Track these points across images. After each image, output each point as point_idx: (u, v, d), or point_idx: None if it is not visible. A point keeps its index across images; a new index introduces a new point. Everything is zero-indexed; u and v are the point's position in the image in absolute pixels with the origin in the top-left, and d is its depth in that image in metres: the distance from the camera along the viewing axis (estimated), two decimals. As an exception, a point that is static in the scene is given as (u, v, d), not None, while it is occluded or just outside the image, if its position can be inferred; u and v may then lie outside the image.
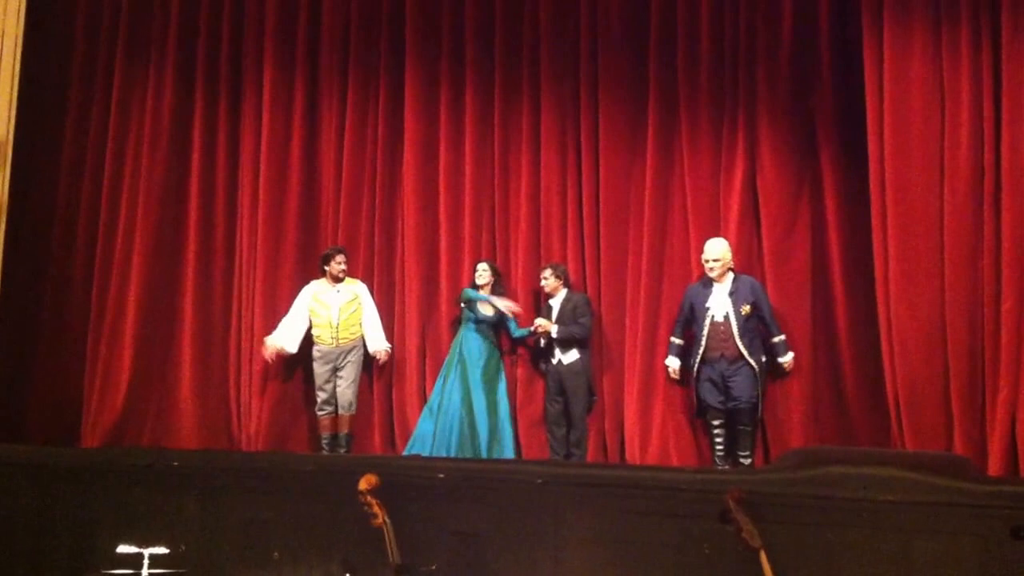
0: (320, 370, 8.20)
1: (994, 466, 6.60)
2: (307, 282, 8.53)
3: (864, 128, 7.37)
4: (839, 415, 7.60)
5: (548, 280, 8.00)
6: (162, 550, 6.15)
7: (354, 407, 8.19)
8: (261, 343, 8.42)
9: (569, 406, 7.78)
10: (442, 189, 8.55)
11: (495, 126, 8.53)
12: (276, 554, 6.36)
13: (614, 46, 8.33)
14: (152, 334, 8.62)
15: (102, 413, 8.44)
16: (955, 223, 6.99)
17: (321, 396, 8.19)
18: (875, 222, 7.24)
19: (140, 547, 6.12)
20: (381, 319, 8.34)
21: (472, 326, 8.12)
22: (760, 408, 7.29)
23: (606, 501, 5.99)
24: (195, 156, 8.86)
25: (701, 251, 7.77)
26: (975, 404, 6.84)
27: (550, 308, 7.99)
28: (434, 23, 8.70)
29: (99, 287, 8.73)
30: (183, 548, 6.39)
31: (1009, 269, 6.81)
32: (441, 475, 6.42)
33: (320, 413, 8.21)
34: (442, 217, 8.53)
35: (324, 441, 8.19)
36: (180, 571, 6.22)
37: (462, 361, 8.05)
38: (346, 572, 5.86)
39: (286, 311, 8.46)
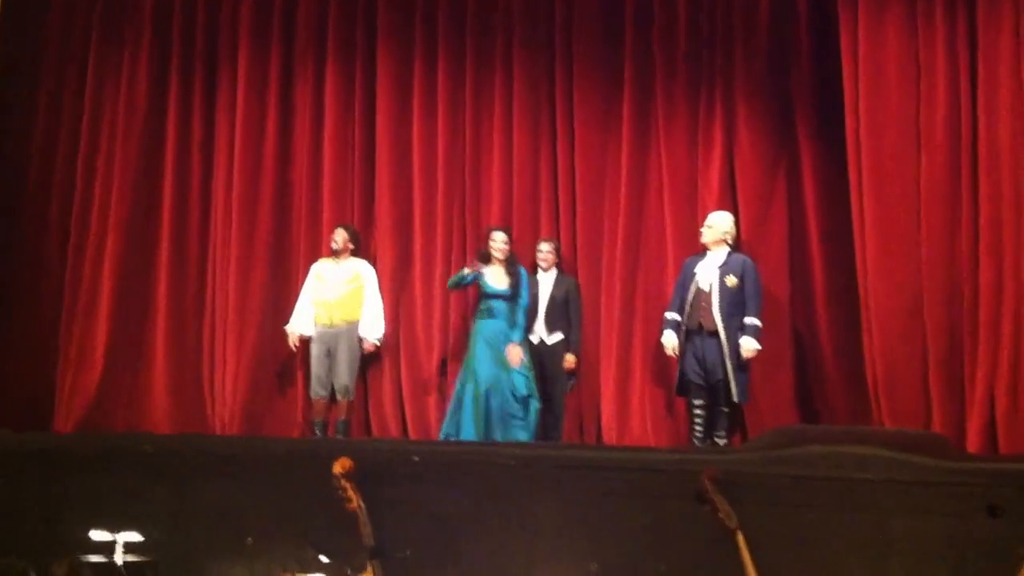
0: (315, 350, 8.01)
1: (972, 443, 6.58)
2: (281, 264, 8.49)
3: (842, 104, 7.33)
4: (817, 394, 7.60)
5: (550, 255, 7.79)
6: (135, 536, 6.09)
7: (351, 393, 7.97)
8: (235, 327, 8.36)
9: (548, 387, 7.68)
10: (415, 168, 8.46)
11: (467, 103, 8.44)
12: (250, 540, 6.30)
13: (589, 21, 8.25)
14: (126, 318, 8.51)
15: (75, 398, 8.34)
16: (932, 199, 6.96)
17: (314, 378, 8.01)
18: (853, 198, 7.20)
19: (113, 533, 6.05)
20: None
21: (487, 301, 7.69)
22: (734, 391, 7.11)
23: (581, 482, 5.93)
24: (169, 140, 8.73)
25: (677, 229, 7.75)
26: (954, 381, 6.83)
27: (536, 283, 7.84)
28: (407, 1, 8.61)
29: (72, 271, 8.61)
30: (156, 534, 6.32)
31: (986, 245, 6.79)
32: (415, 458, 6.37)
33: (313, 396, 8.04)
34: (416, 197, 8.45)
35: (316, 426, 7.99)
36: (151, 559, 6.16)
37: (480, 342, 7.63)
38: (319, 555, 5.81)
39: (259, 294, 8.42)
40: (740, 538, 5.02)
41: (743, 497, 5.23)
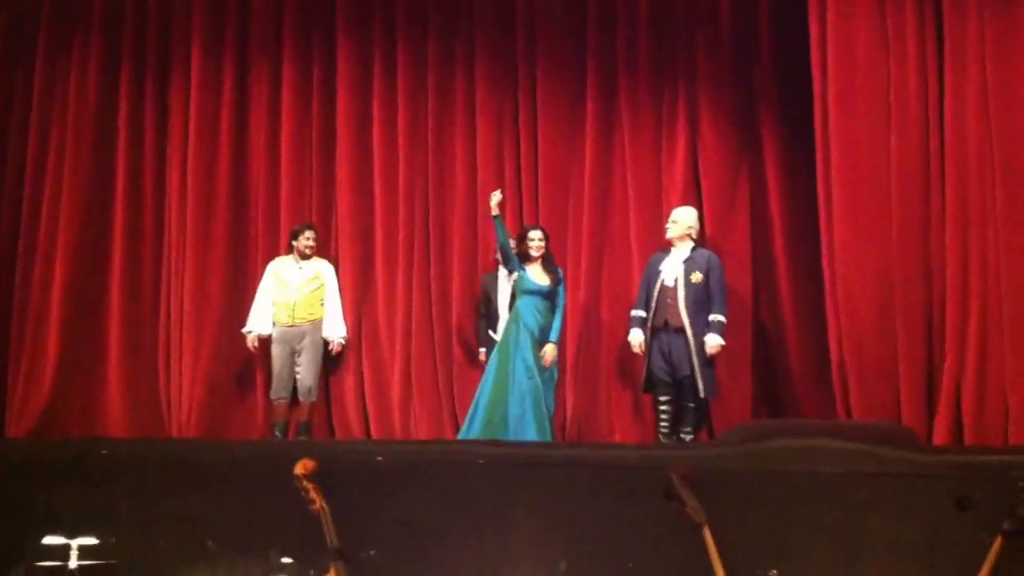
0: (277, 352, 7.89)
1: (940, 435, 6.57)
2: (238, 266, 8.37)
3: (805, 99, 7.31)
4: (784, 389, 7.59)
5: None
6: (91, 540, 5.96)
7: (314, 393, 7.88)
8: (192, 329, 8.23)
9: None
10: (376, 167, 8.38)
11: (429, 100, 8.36)
12: (210, 543, 6.20)
13: (552, 18, 8.23)
14: (79, 321, 8.34)
15: (28, 403, 8.16)
16: (903, 184, 6.88)
17: (276, 379, 7.88)
18: (819, 184, 7.13)
19: (68, 538, 5.93)
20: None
21: (526, 297, 7.43)
22: (700, 387, 7.06)
23: (548, 480, 5.88)
24: (121, 140, 8.56)
25: (642, 225, 7.71)
26: (922, 373, 6.78)
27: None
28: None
29: (23, 273, 8.43)
30: (115, 539, 6.20)
31: (953, 232, 6.75)
32: (379, 458, 6.30)
33: (274, 398, 7.91)
34: (376, 195, 8.37)
35: (277, 428, 7.86)
36: (111, 562, 6.04)
37: (518, 333, 7.37)
38: (282, 557, 5.72)
39: (216, 296, 8.29)
40: (707, 533, 4.97)
41: (711, 493, 5.18)
